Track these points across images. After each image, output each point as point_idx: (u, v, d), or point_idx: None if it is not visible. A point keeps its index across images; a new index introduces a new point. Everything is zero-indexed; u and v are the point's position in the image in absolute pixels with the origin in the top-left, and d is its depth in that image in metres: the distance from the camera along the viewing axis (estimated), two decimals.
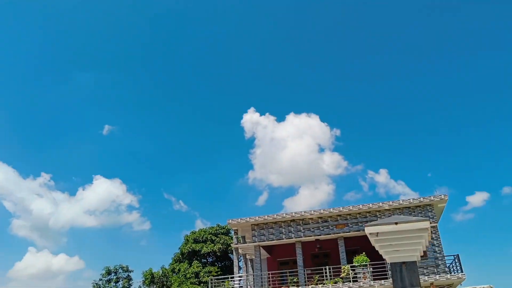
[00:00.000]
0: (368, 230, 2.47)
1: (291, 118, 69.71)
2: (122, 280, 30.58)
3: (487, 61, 67.78)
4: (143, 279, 29.92)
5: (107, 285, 30.10)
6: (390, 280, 21.44)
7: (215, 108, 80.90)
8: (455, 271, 21.97)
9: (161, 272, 30.38)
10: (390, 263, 2.25)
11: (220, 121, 79.86)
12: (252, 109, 71.33)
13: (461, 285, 22.14)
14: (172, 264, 35.50)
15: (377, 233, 2.28)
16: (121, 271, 30.86)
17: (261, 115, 67.20)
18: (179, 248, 36.39)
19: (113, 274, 30.61)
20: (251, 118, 66.32)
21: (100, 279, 30.47)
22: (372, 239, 2.46)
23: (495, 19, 65.74)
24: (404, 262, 2.16)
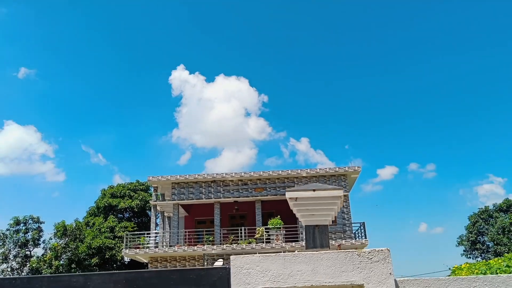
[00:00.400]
0: (288, 195, 2.63)
1: (220, 79, 69.08)
2: (32, 231, 29.30)
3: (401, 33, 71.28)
4: (55, 231, 28.88)
5: (14, 236, 28.73)
6: (301, 242, 22.64)
7: (143, 61, 77.77)
8: (359, 237, 23.61)
9: (74, 225, 29.52)
10: (305, 225, 2.41)
11: (147, 75, 77.03)
12: (181, 66, 69.53)
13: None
14: (87, 218, 34.60)
15: (296, 198, 2.44)
16: (31, 221, 29.51)
17: (190, 73, 65.81)
18: (95, 202, 35.46)
19: (22, 225, 29.20)
20: (179, 76, 64.77)
21: (8, 229, 29.00)
22: (291, 203, 2.65)
23: None
24: (317, 225, 2.32)
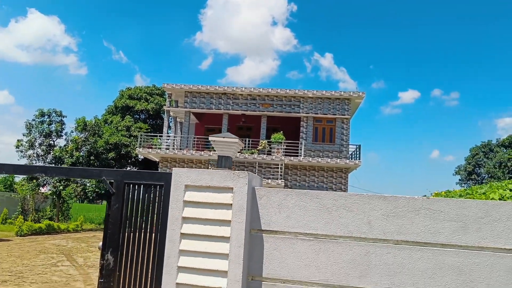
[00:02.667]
0: (211, 138, 4.05)
1: None
2: (55, 124, 31.74)
3: None
4: (76, 125, 31.29)
5: (39, 126, 31.22)
6: (299, 157, 24.53)
7: None
8: (355, 158, 25.38)
9: (93, 121, 31.79)
10: (218, 155, 3.84)
11: None
12: None
13: (355, 170, 25.80)
14: (105, 115, 36.90)
15: (214, 140, 3.86)
16: (55, 115, 31.83)
17: None
18: (113, 101, 37.52)
19: (46, 117, 31.57)
20: None
21: (33, 120, 31.44)
22: (212, 143, 4.06)
23: None
24: (224, 156, 3.76)
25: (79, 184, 32.83)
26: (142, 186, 3.45)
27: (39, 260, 14.18)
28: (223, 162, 3.42)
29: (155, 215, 3.38)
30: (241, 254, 2.94)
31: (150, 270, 3.36)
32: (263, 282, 3.05)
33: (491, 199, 8.51)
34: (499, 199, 8.28)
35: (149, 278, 3.34)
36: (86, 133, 30.86)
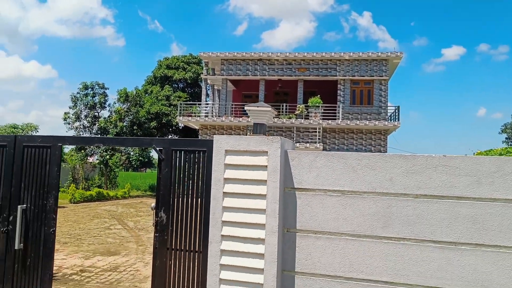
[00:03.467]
0: (246, 107, 4.42)
1: None
2: (98, 96, 32.99)
3: None
4: (118, 96, 32.43)
5: (84, 99, 32.56)
6: (337, 121, 24.61)
7: None
8: (394, 119, 25.17)
9: (134, 92, 32.80)
10: (253, 122, 4.21)
11: None
12: None
13: (394, 132, 25.62)
14: (145, 86, 37.89)
15: (249, 109, 4.23)
16: (97, 87, 33.04)
17: None
18: (152, 71, 38.38)
19: (89, 89, 32.84)
20: None
21: (78, 93, 32.79)
22: (248, 112, 4.42)
23: None
24: (259, 123, 4.13)
25: (123, 154, 34.31)
26: (187, 152, 3.90)
27: (93, 224, 15.30)
28: (258, 129, 3.79)
29: (200, 177, 3.84)
30: (276, 209, 3.34)
31: (198, 225, 3.84)
32: (297, 234, 3.45)
33: None
34: None
35: (197, 232, 3.83)
36: (128, 104, 31.96)
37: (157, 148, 3.95)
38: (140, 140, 4.17)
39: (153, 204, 4.39)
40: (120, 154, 33.66)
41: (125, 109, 31.99)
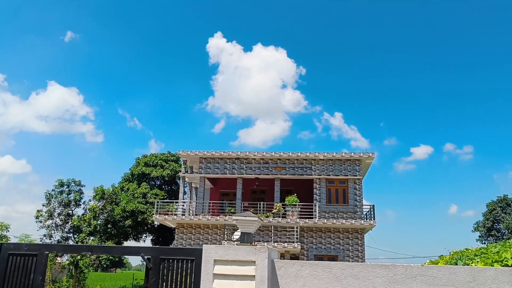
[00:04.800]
0: (234, 217, 4.57)
1: (258, 49, 70.34)
2: (74, 193, 32.58)
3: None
4: (94, 194, 32.07)
5: (59, 196, 32.06)
6: (314, 219, 24.72)
7: (181, 28, 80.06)
8: (369, 218, 25.47)
9: (111, 189, 32.57)
10: (240, 232, 4.33)
11: (185, 43, 79.36)
12: (219, 34, 71.11)
13: (370, 230, 25.79)
14: (122, 183, 37.77)
15: (237, 219, 4.36)
16: (73, 184, 32.77)
17: (228, 41, 67.40)
18: (130, 169, 38.55)
19: (65, 187, 32.49)
20: (217, 44, 66.59)
21: (53, 190, 32.35)
22: (235, 221, 4.55)
23: None
24: (246, 232, 4.25)
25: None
26: (175, 261, 3.98)
27: None
28: (245, 238, 3.95)
29: (188, 286, 3.88)
30: None
31: None
32: None
33: (504, 258, 8.79)
34: None
35: None
36: (104, 201, 31.55)
37: (146, 257, 4.02)
38: (128, 248, 4.24)
39: None
40: (90, 254, 32.36)
41: (100, 206, 31.50)
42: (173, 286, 3.94)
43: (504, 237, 42.06)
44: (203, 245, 3.66)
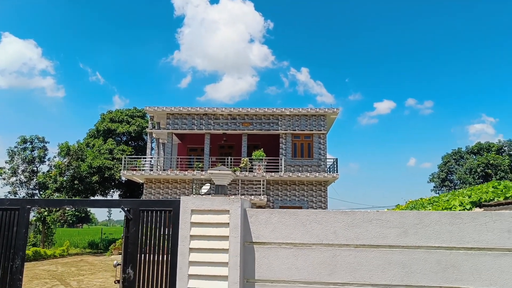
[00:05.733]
0: (209, 171, 4.90)
1: (225, 1, 68.60)
2: (38, 150, 31.99)
3: None
4: (59, 150, 31.60)
5: (22, 153, 31.43)
6: (280, 173, 25.45)
7: None
8: (333, 171, 26.43)
9: (76, 146, 32.15)
10: (215, 184, 4.66)
11: None
12: None
13: (333, 183, 26.85)
14: (87, 139, 37.24)
15: (212, 173, 4.69)
16: (37, 141, 32.10)
17: None
18: (95, 125, 37.93)
19: (28, 144, 31.81)
20: None
21: (16, 146, 31.62)
22: (210, 175, 4.87)
23: None
24: (220, 184, 4.59)
25: (59, 209, 32.98)
26: (154, 212, 4.29)
27: (34, 286, 14.62)
28: (220, 190, 4.28)
29: (167, 235, 4.22)
30: (237, 262, 3.79)
31: (164, 280, 4.18)
32: (255, 283, 3.90)
33: (453, 205, 9.58)
34: (459, 204, 9.34)
35: (164, 286, 4.16)
36: (69, 158, 31.20)
37: (126, 209, 4.31)
38: (109, 201, 4.51)
39: (116, 262, 4.68)
40: (55, 209, 32.33)
41: (65, 163, 31.15)
42: (153, 234, 4.26)
43: (456, 188, 44.56)
44: (181, 197, 3.97)
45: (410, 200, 15.46)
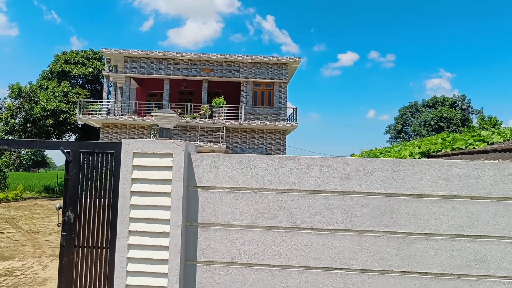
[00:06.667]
0: (153, 113, 4.72)
1: None
2: None
3: None
4: (10, 91, 30.08)
5: None
6: (240, 121, 25.39)
7: None
8: (292, 120, 26.62)
9: (28, 87, 30.67)
10: (159, 127, 4.50)
11: None
12: None
13: (292, 131, 27.11)
14: (40, 81, 35.54)
15: (156, 115, 4.53)
16: None
17: None
18: (49, 66, 36.08)
19: None
20: None
21: None
22: (154, 118, 4.71)
23: None
24: (165, 128, 4.45)
25: (13, 152, 31.92)
26: (95, 154, 4.13)
27: None
28: (164, 133, 4.15)
29: (108, 178, 4.09)
30: (180, 205, 3.73)
31: (105, 223, 4.10)
32: (198, 227, 3.88)
33: (403, 155, 9.84)
34: (409, 155, 9.61)
35: (105, 229, 4.08)
36: (21, 100, 29.81)
37: (65, 151, 4.12)
38: (47, 142, 4.30)
39: (58, 204, 4.55)
40: (9, 153, 31.26)
41: (17, 105, 29.77)
42: (93, 177, 4.13)
43: (410, 139, 46.10)
44: (123, 139, 3.82)
45: (365, 150, 15.87)
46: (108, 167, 4.11)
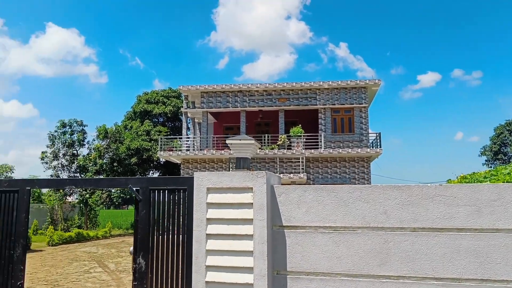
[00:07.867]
0: (228, 141, 4.17)
1: None
2: (77, 133, 32.44)
3: None
4: (97, 133, 31.92)
5: (62, 137, 31.95)
6: (319, 150, 24.55)
7: None
8: (376, 146, 25.25)
9: (114, 128, 32.36)
10: (236, 157, 3.96)
11: None
12: None
13: (377, 158, 25.67)
14: (125, 122, 37.50)
15: (231, 143, 3.98)
16: (76, 125, 32.53)
17: None
18: (132, 107, 38.11)
19: (68, 127, 32.28)
20: None
21: (56, 131, 32.18)
22: (230, 146, 4.17)
23: None
24: (242, 157, 3.88)
25: (104, 191, 33.51)
26: (166, 191, 3.63)
27: (72, 268, 14.63)
28: (242, 163, 3.56)
29: (181, 218, 3.55)
30: (264, 250, 3.08)
31: (180, 271, 3.53)
32: (288, 276, 3.18)
33: None
34: None
35: (179, 278, 3.52)
36: (108, 140, 31.46)
37: (134, 188, 3.67)
38: (115, 180, 3.89)
39: (132, 248, 4.07)
40: (100, 192, 32.89)
41: (104, 146, 31.46)
42: (165, 217, 3.61)
43: (511, 160, 42.02)
44: (195, 173, 3.27)
45: (462, 175, 14.22)
46: (181, 205, 3.59)
